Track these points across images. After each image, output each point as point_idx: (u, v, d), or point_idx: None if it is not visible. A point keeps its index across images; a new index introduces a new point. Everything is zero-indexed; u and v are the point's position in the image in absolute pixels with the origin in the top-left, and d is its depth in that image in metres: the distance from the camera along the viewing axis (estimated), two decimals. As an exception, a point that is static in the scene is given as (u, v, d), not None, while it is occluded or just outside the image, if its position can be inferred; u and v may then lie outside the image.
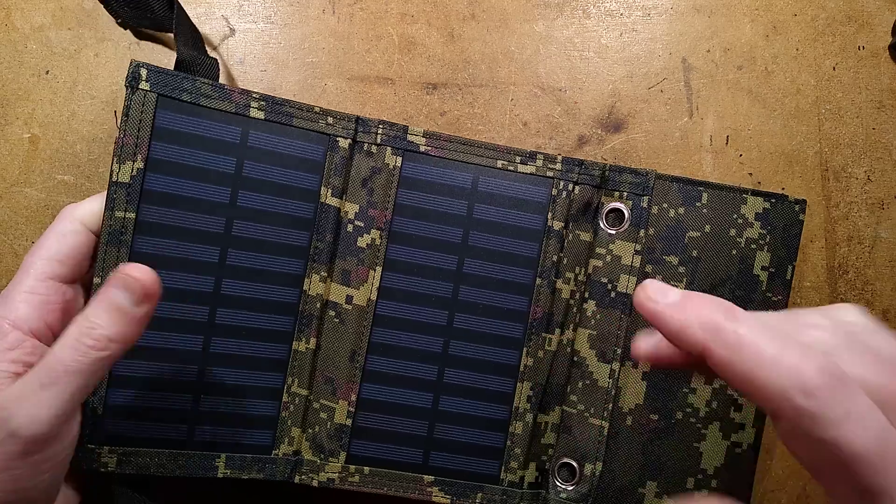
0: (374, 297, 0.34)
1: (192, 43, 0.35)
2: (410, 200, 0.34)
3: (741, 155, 0.38)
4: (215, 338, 0.33)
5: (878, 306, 0.38)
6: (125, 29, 0.37)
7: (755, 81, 0.38)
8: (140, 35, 0.38)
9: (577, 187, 0.35)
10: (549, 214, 0.35)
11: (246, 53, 0.38)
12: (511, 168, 0.35)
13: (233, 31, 0.38)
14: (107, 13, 0.36)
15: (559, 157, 0.35)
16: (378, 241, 0.34)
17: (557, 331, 0.35)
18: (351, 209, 0.34)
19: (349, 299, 0.34)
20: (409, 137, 0.34)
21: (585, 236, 0.35)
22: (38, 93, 0.37)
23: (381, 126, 0.34)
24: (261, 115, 0.32)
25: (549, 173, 0.35)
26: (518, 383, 0.35)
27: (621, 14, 0.39)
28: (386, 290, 0.34)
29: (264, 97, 0.33)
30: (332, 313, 0.34)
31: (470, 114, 0.38)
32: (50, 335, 0.30)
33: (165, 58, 0.38)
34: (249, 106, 0.32)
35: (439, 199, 0.34)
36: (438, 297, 0.35)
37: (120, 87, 0.37)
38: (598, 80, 0.38)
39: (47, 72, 0.37)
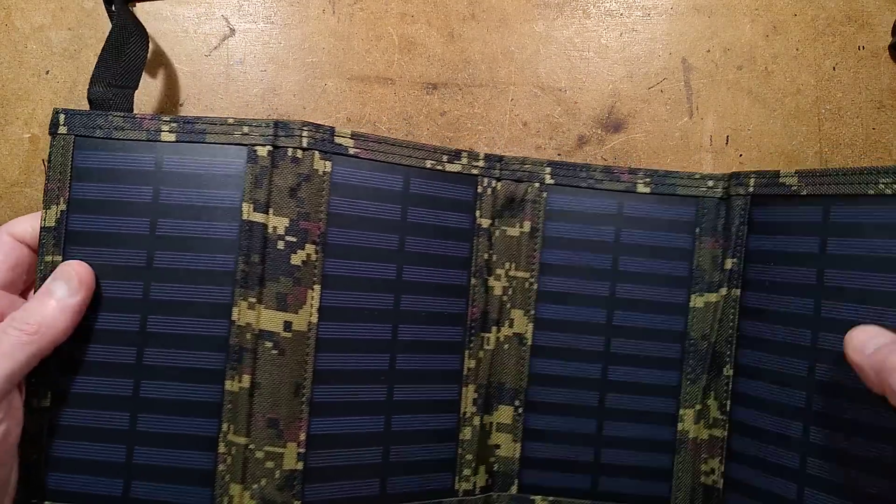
0: (314, 319, 0.31)
1: (119, 72, 0.33)
2: (344, 208, 0.32)
3: (741, 155, 0.38)
4: (144, 381, 0.31)
5: (878, 306, 0.38)
6: None
7: (755, 81, 0.38)
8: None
9: (499, 183, 0.35)
10: (478, 212, 0.34)
11: (246, 53, 0.38)
12: (439, 168, 0.34)
13: (233, 31, 0.38)
14: (107, 13, 0.36)
15: (482, 155, 0.34)
16: (314, 257, 0.31)
17: (494, 328, 0.35)
18: (280, 223, 0.31)
19: (287, 326, 0.31)
20: (337, 139, 0.32)
21: (512, 231, 0.35)
22: (38, 93, 0.37)
23: (305, 128, 0.31)
24: (172, 137, 0.31)
25: (474, 171, 0.34)
26: (463, 388, 0.34)
27: (621, 14, 0.39)
28: (327, 309, 0.31)
29: (175, 119, 0.31)
30: (269, 344, 0.31)
31: (470, 114, 0.38)
32: None
33: (165, 58, 0.38)
34: (160, 130, 0.31)
35: (373, 204, 0.32)
36: (381, 310, 0.32)
37: (120, 87, 0.37)
38: (598, 80, 0.38)
39: (47, 72, 0.37)
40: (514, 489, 0.35)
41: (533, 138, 0.38)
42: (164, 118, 0.31)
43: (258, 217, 0.31)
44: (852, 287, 0.30)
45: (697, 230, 0.35)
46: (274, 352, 0.31)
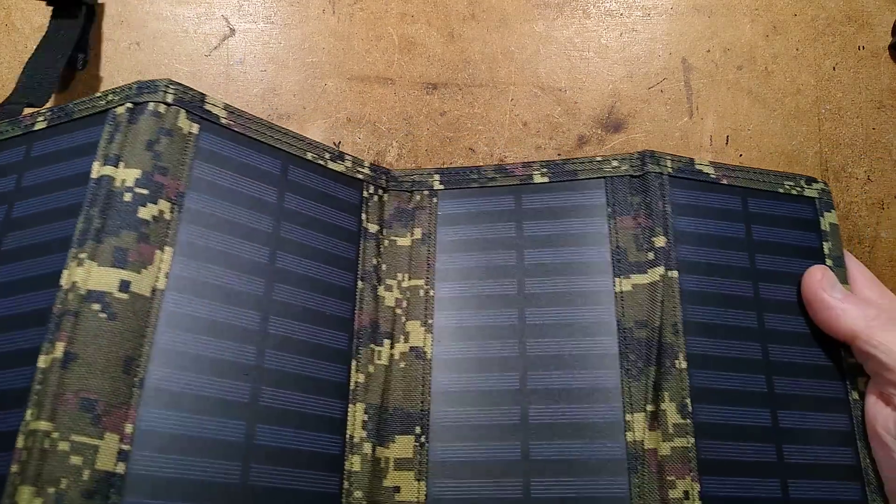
0: (161, 285, 0.26)
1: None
2: (210, 175, 0.29)
3: (741, 155, 0.38)
4: None
5: (878, 306, 0.38)
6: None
7: (755, 81, 0.38)
8: (137, 37, 0.38)
9: (386, 194, 0.33)
10: (364, 216, 0.32)
11: (246, 53, 0.38)
12: (320, 163, 0.31)
13: (233, 31, 0.38)
14: (107, 13, 0.36)
15: (367, 163, 0.33)
16: (168, 215, 0.27)
17: (387, 342, 0.30)
18: (129, 175, 0.27)
19: (125, 286, 0.25)
20: (207, 106, 0.29)
21: (403, 241, 0.32)
22: (38, 93, 0.37)
23: (171, 86, 0.29)
24: (44, 124, 0.30)
25: (359, 176, 0.32)
26: (350, 405, 0.28)
27: (621, 14, 0.39)
28: (179, 279, 0.26)
29: (49, 110, 0.30)
30: (97, 307, 0.25)
31: (470, 114, 0.38)
32: None
33: (165, 58, 0.38)
34: (36, 121, 0.30)
35: (245, 179, 0.29)
36: (248, 293, 0.28)
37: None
38: (598, 80, 0.38)
39: (47, 72, 0.37)
40: None
41: (533, 138, 0.38)
42: (42, 111, 0.30)
43: (107, 170, 0.27)
44: (780, 271, 0.32)
45: (610, 210, 0.32)
46: (102, 315, 0.25)
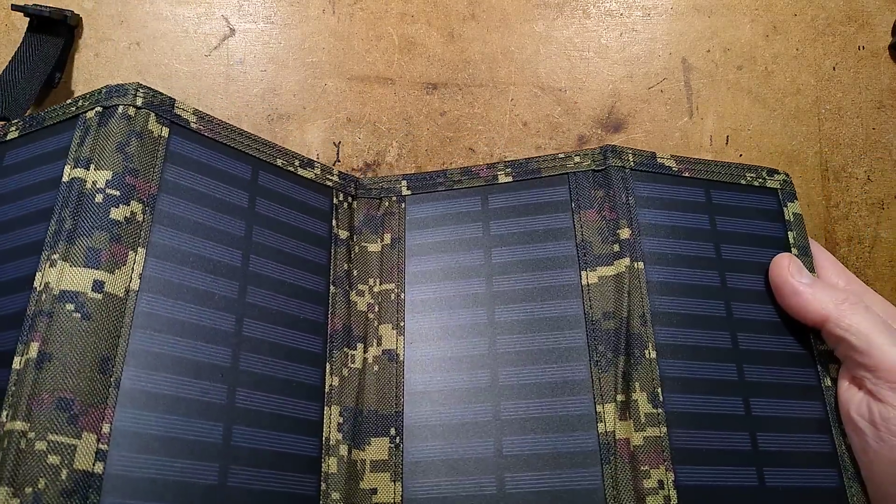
0: (135, 286, 0.26)
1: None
2: (180, 178, 0.29)
3: (741, 155, 0.38)
4: None
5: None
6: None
7: (755, 81, 0.38)
8: (137, 37, 0.38)
9: (355, 202, 0.34)
10: (334, 222, 0.33)
11: (246, 53, 0.38)
12: (290, 169, 0.32)
13: (233, 31, 0.38)
14: (107, 13, 0.36)
15: (335, 171, 0.34)
16: (140, 217, 0.27)
17: (360, 345, 0.31)
18: (101, 177, 0.27)
19: (98, 286, 0.25)
20: (177, 111, 0.30)
21: (373, 247, 0.33)
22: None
23: (140, 90, 0.29)
24: (16, 134, 0.30)
25: (329, 183, 0.33)
26: (325, 407, 0.29)
27: (621, 14, 0.39)
28: (152, 279, 0.27)
29: (24, 120, 0.30)
30: (70, 307, 0.25)
31: (470, 114, 0.38)
32: None
33: (165, 58, 0.38)
34: (8, 132, 0.30)
35: (216, 184, 0.30)
36: (221, 296, 0.28)
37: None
38: (598, 80, 0.38)
39: (47, 72, 0.37)
40: None
41: (533, 138, 0.38)
42: (13, 122, 0.30)
43: (77, 173, 0.27)
44: (747, 260, 0.32)
45: (573, 205, 0.33)
46: (76, 315, 0.25)
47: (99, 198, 0.27)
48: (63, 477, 0.23)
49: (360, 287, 0.32)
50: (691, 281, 0.31)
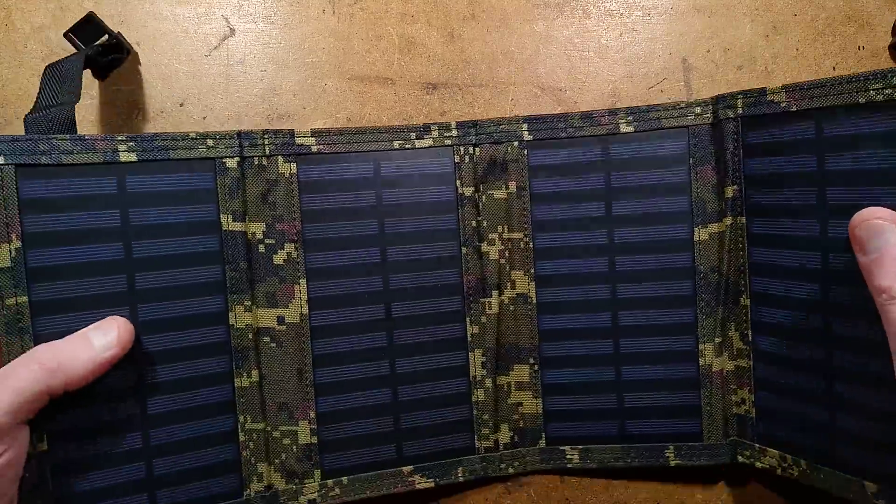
0: (305, 310, 0.34)
1: (55, 87, 0.31)
2: (316, 204, 0.33)
3: (741, 155, 0.38)
4: (150, 397, 0.31)
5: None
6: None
7: (755, 81, 0.38)
8: (137, 37, 0.38)
9: (477, 149, 0.35)
10: (458, 182, 0.34)
11: (246, 53, 0.38)
12: (409, 146, 0.34)
13: (233, 31, 0.38)
14: (107, 13, 0.36)
15: (453, 124, 0.35)
16: (295, 254, 0.33)
17: (495, 292, 0.35)
18: (258, 229, 0.33)
19: (281, 320, 0.33)
20: (298, 140, 0.33)
21: (500, 194, 0.35)
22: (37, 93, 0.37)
23: (266, 136, 0.33)
24: (133, 156, 0.31)
25: (448, 142, 0.35)
26: (469, 353, 0.35)
27: (621, 14, 0.39)
28: (316, 300, 0.34)
29: (132, 137, 0.31)
30: (267, 339, 0.33)
31: (470, 114, 0.38)
32: None
33: (165, 58, 0.38)
34: (118, 150, 0.30)
35: (345, 195, 0.34)
36: (370, 292, 0.34)
37: (120, 88, 0.37)
38: (598, 80, 0.38)
39: (47, 72, 0.37)
40: (542, 443, 0.36)
41: (533, 138, 0.38)
42: (120, 137, 0.30)
43: (237, 226, 0.32)
44: (857, 204, 0.28)
45: (691, 160, 0.34)
46: (273, 345, 0.33)
47: (262, 248, 0.33)
48: (295, 450, 0.34)
49: (491, 236, 0.35)
50: (792, 232, 0.31)
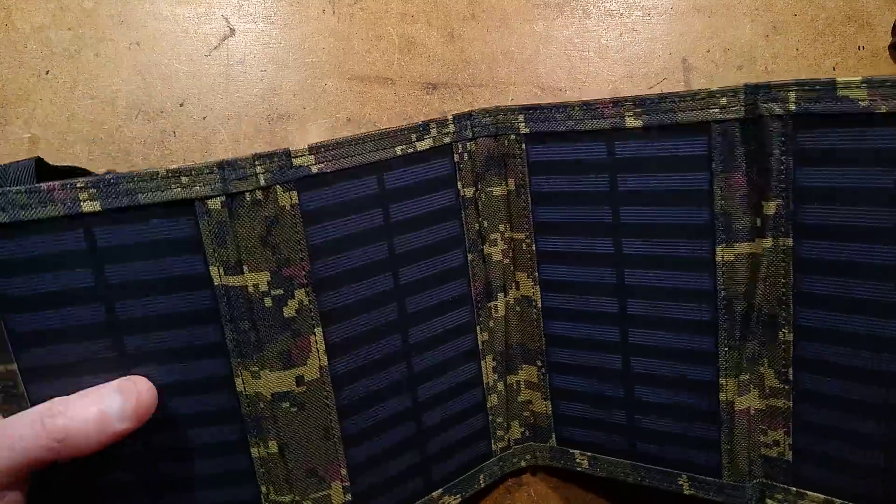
0: (324, 362, 0.29)
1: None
2: (323, 236, 0.29)
3: (741, 155, 0.38)
4: (161, 461, 0.28)
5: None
6: None
7: (755, 81, 0.38)
8: (137, 37, 0.38)
9: (474, 143, 0.32)
10: (459, 184, 0.32)
11: (246, 53, 0.38)
12: (411, 150, 0.30)
13: (233, 31, 0.38)
14: (107, 13, 0.36)
15: (450, 118, 0.32)
16: (306, 300, 0.28)
17: (500, 295, 0.34)
18: (260, 280, 0.27)
19: (300, 381, 0.29)
20: (295, 161, 0.27)
21: (499, 191, 0.33)
22: (38, 93, 0.37)
23: (258, 163, 0.26)
24: (97, 205, 0.25)
25: (447, 139, 0.31)
26: (482, 361, 0.34)
27: (621, 14, 0.39)
28: (333, 346, 0.29)
29: (93, 183, 0.25)
30: (286, 404, 0.29)
31: (470, 114, 0.38)
32: None
33: (165, 58, 0.38)
34: (79, 200, 0.25)
35: (352, 219, 0.29)
36: (387, 322, 0.31)
37: (120, 88, 0.37)
38: (598, 80, 0.38)
39: (47, 72, 0.37)
40: (552, 442, 0.36)
41: (533, 138, 0.38)
42: (79, 183, 0.25)
43: (233, 280, 0.27)
44: None
45: (713, 165, 0.27)
46: (293, 409, 0.29)
47: (268, 302, 0.27)
48: None
49: (493, 236, 0.34)
50: (862, 258, 0.26)
